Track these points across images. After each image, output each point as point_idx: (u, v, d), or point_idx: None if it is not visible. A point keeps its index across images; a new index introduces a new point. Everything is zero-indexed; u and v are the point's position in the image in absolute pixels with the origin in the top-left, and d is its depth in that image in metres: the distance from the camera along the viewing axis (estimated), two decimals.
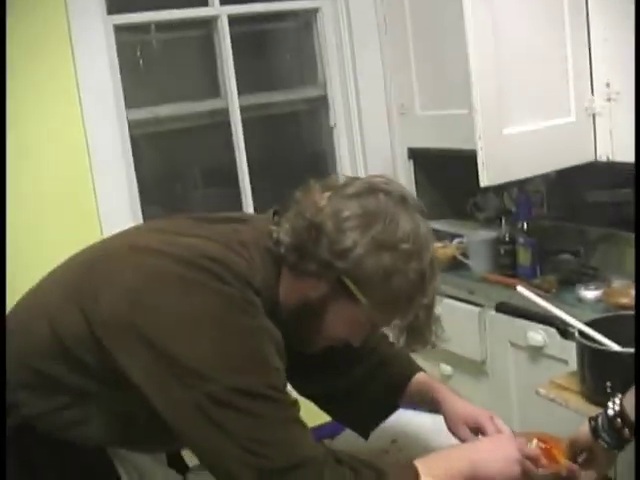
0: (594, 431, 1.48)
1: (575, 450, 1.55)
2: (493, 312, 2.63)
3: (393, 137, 3.31)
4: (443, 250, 2.97)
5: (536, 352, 2.49)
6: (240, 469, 1.21)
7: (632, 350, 1.63)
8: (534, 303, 1.82)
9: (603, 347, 1.70)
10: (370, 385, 1.72)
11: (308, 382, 1.71)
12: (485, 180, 2.26)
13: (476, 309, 2.73)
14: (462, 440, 1.62)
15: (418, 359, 3.03)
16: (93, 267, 1.38)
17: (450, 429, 1.66)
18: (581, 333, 1.74)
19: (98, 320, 1.28)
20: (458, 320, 2.80)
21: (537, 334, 2.44)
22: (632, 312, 2.04)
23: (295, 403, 1.30)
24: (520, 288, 1.80)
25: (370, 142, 3.27)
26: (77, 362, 1.31)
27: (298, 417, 1.29)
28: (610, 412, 1.45)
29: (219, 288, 1.27)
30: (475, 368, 2.83)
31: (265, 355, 1.27)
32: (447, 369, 2.99)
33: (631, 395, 1.44)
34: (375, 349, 1.73)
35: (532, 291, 1.91)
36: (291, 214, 1.38)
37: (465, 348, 2.81)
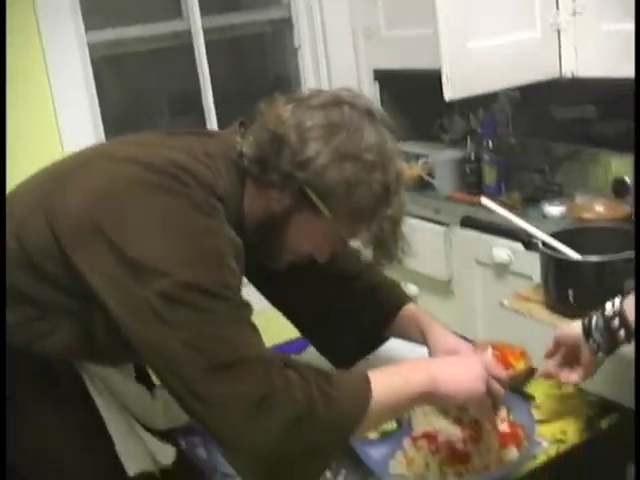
0: (586, 331, 1.45)
1: (559, 350, 1.54)
2: (459, 230, 2.65)
3: (358, 58, 3.28)
4: (409, 171, 2.97)
5: (502, 269, 2.51)
6: (185, 366, 1.18)
7: (593, 258, 1.66)
8: (498, 216, 1.83)
9: (565, 256, 1.71)
10: (356, 312, 1.72)
11: (289, 301, 1.73)
12: (449, 93, 2.25)
13: (442, 228, 2.75)
14: None
15: None
16: (62, 176, 1.37)
17: None
18: (544, 244, 1.75)
19: (62, 223, 1.27)
20: (424, 240, 2.82)
21: (502, 251, 2.47)
22: (594, 225, 2.07)
23: (247, 305, 1.28)
24: (484, 199, 1.81)
25: (335, 64, 3.24)
26: (44, 275, 1.31)
27: (249, 319, 1.26)
28: (608, 312, 1.43)
29: (183, 192, 1.26)
30: (441, 287, 2.85)
31: (221, 255, 1.26)
32: (414, 289, 3.02)
33: (631, 299, 1.42)
34: (361, 275, 1.73)
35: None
36: (255, 126, 1.38)
37: (431, 267, 2.84)
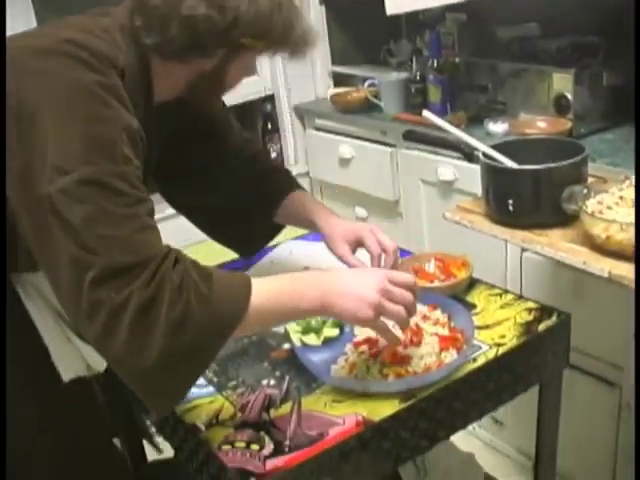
0: None
1: None
2: (404, 151, 2.66)
3: None
4: (356, 94, 2.96)
5: (447, 187, 2.53)
6: (76, 270, 1.14)
7: (531, 167, 1.67)
8: (440, 130, 1.84)
9: (504, 166, 1.73)
10: (244, 198, 1.74)
11: (182, 192, 1.73)
12: (391, 8, 2.23)
13: (388, 149, 2.75)
14: (340, 257, 1.66)
15: (333, 203, 3.11)
16: None
17: (330, 248, 1.68)
18: (485, 155, 1.77)
19: None
20: (371, 162, 2.83)
21: (447, 169, 2.48)
22: (534, 137, 2.09)
23: (146, 200, 1.23)
24: (426, 112, 1.81)
25: None
26: None
27: (146, 215, 1.22)
28: None
29: (76, 76, 1.20)
30: (389, 208, 2.87)
31: (114, 143, 1.20)
32: (362, 212, 3.03)
33: None
34: (252, 161, 1.76)
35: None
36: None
37: (378, 189, 2.85)
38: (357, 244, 1.66)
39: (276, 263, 1.99)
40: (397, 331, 1.43)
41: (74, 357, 1.50)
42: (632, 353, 1.89)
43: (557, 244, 1.63)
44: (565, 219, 1.68)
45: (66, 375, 1.48)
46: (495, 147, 1.79)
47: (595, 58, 2.29)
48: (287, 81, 3.21)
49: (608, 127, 2.32)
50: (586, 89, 2.27)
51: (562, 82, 2.26)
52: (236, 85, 1.51)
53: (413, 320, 1.53)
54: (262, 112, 3.29)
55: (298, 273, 1.37)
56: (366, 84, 2.93)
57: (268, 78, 3.24)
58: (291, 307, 1.28)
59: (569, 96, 2.26)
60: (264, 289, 1.26)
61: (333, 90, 3.18)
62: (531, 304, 1.69)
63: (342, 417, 1.37)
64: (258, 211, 1.75)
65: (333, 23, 3.23)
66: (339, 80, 3.25)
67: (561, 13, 2.45)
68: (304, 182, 3.26)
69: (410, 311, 1.35)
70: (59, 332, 1.48)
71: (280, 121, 3.30)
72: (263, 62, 3.22)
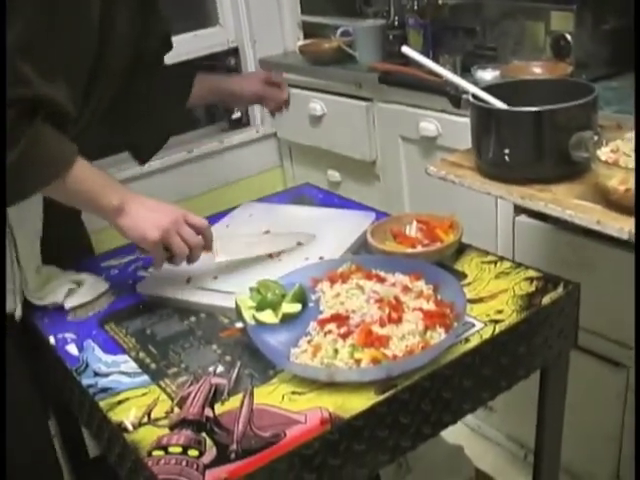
0: None
1: None
2: (381, 104, 2.40)
3: None
4: (328, 44, 2.68)
5: (429, 144, 2.26)
6: None
7: (532, 108, 1.40)
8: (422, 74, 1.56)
9: (500, 108, 1.46)
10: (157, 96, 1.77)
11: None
12: None
13: (364, 104, 2.47)
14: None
15: (304, 166, 2.85)
16: None
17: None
18: (475, 97, 1.50)
19: None
20: (345, 118, 2.57)
21: (429, 123, 2.21)
22: (532, 78, 1.82)
23: None
24: (405, 48, 1.54)
25: None
26: None
27: None
28: None
29: None
30: (365, 170, 2.61)
31: None
32: (335, 175, 2.77)
33: None
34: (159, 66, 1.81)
35: (424, 76, 1.66)
36: None
37: (353, 149, 2.59)
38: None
39: (233, 227, 1.74)
40: (371, 308, 1.17)
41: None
42: None
43: (564, 201, 1.37)
44: (571, 172, 1.44)
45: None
46: (487, 89, 1.53)
47: None
48: (252, 32, 2.93)
49: (614, 73, 2.05)
50: (589, 29, 2.00)
51: (561, 21, 2.00)
52: None
53: (392, 292, 1.28)
54: (225, 66, 3.01)
55: (113, 179, 1.43)
56: (338, 33, 2.64)
57: (231, 29, 2.96)
58: (93, 194, 1.37)
59: (569, 37, 2.00)
60: (86, 164, 1.36)
61: (303, 42, 2.89)
62: (532, 272, 1.44)
63: (304, 413, 1.13)
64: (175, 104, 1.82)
65: None
66: (309, 31, 2.97)
67: None
68: (271, 144, 3.05)
69: (194, 254, 1.43)
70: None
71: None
72: (226, 12, 2.95)
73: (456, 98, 1.56)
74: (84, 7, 1.33)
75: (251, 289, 1.36)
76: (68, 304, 1.53)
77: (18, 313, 1.52)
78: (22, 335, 1.54)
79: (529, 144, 1.43)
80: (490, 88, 1.54)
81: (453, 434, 1.97)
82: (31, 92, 1.26)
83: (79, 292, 1.54)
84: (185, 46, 2.71)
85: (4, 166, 1.23)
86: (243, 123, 3.04)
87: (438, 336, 1.21)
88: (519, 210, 1.99)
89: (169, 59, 1.83)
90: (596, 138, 1.38)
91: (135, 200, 1.40)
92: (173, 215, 1.40)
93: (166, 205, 1.43)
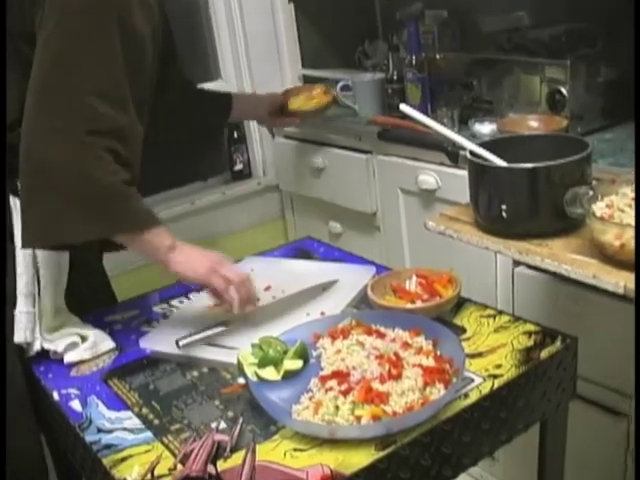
0: None
1: None
2: (381, 157, 2.42)
3: None
4: (326, 96, 2.71)
5: (429, 196, 2.28)
6: None
7: (528, 165, 1.43)
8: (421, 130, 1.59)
9: (496, 164, 1.48)
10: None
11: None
12: None
13: (364, 156, 2.50)
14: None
15: (305, 217, 2.87)
16: None
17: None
18: (472, 154, 1.53)
19: None
20: (345, 170, 2.59)
21: (428, 176, 2.24)
22: (528, 133, 1.85)
23: None
24: (403, 106, 1.56)
25: None
26: None
27: None
28: None
29: None
30: (365, 222, 2.62)
31: None
32: (336, 227, 2.79)
33: None
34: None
35: (423, 130, 1.68)
36: None
37: (354, 201, 2.61)
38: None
39: None
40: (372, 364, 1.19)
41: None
42: None
43: (560, 255, 1.38)
44: (567, 226, 1.45)
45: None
46: (484, 145, 1.56)
47: (593, 47, 2.05)
48: (254, 85, 2.97)
49: (608, 125, 2.09)
50: (583, 82, 2.03)
51: (556, 75, 2.03)
52: None
53: (392, 348, 1.29)
54: None
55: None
56: (338, 87, 2.68)
57: (234, 82, 3.00)
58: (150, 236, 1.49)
59: (564, 91, 2.02)
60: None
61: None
62: (530, 326, 1.45)
63: (305, 470, 1.14)
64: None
65: (303, 23, 2.98)
66: (309, 83, 3.00)
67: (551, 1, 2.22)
68: (274, 196, 3.07)
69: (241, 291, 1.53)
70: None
71: (247, 129, 3.05)
72: (227, 66, 3.00)
73: (454, 154, 1.58)
74: (147, 53, 1.50)
75: (253, 345, 1.37)
76: (67, 358, 1.54)
77: (37, 347, 1.55)
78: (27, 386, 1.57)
79: (525, 200, 1.45)
80: (487, 144, 1.56)
81: None
82: (112, 124, 1.41)
83: (80, 347, 1.56)
84: None
85: (4, 166, 1.25)
86: (245, 175, 3.07)
87: (437, 392, 1.22)
88: (518, 261, 2.00)
89: None
90: (591, 193, 1.39)
91: (185, 245, 1.53)
92: (217, 257, 1.54)
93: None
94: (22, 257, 1.53)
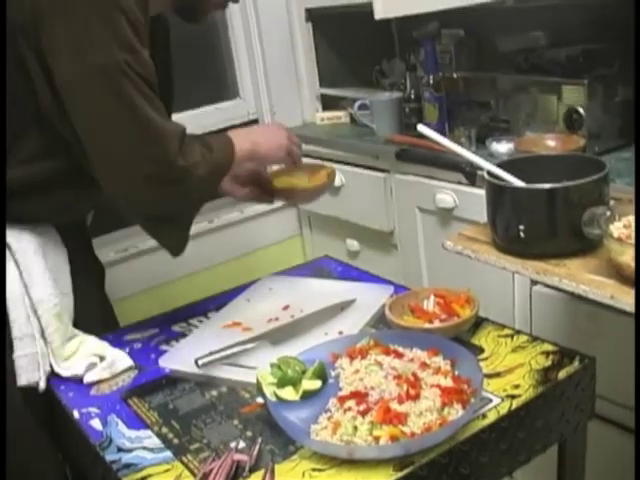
0: None
1: None
2: (399, 176, 2.43)
3: None
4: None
5: (446, 215, 2.29)
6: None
7: (545, 186, 1.43)
8: (438, 150, 1.60)
9: (514, 185, 1.49)
10: None
11: None
12: (380, 12, 2.01)
13: (381, 175, 2.52)
14: None
15: (323, 236, 2.88)
16: None
17: None
18: (490, 174, 1.53)
19: None
20: (363, 189, 2.60)
21: (446, 195, 2.25)
22: (545, 154, 1.85)
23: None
24: (421, 126, 1.57)
25: (263, 2, 2.95)
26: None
27: None
28: None
29: None
30: (383, 240, 2.63)
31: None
32: (354, 244, 2.80)
33: None
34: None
35: (440, 149, 1.69)
36: None
37: (371, 219, 2.62)
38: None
39: (253, 301, 1.77)
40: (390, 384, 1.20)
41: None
42: None
43: (578, 276, 1.38)
44: (585, 247, 1.45)
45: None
46: (501, 165, 1.56)
47: (610, 68, 2.06)
48: (272, 104, 2.99)
49: (625, 145, 2.09)
50: (600, 102, 2.04)
51: (573, 95, 2.04)
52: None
53: (410, 368, 1.30)
54: None
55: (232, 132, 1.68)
56: (356, 106, 2.70)
57: (252, 101, 3.02)
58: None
59: (581, 110, 2.03)
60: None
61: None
62: (548, 346, 1.45)
63: None
64: None
65: (321, 42, 3.01)
66: (327, 103, 3.03)
67: (570, 19, 2.23)
68: (291, 213, 3.07)
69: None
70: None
71: None
72: (246, 85, 3.02)
73: (471, 174, 1.60)
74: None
75: (272, 365, 1.38)
76: (87, 378, 1.55)
77: (42, 386, 1.55)
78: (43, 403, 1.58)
79: (543, 220, 1.45)
80: (504, 164, 1.57)
81: None
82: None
83: (99, 366, 1.57)
84: (207, 118, 2.79)
85: (4, 167, 1.24)
86: None
87: (455, 412, 1.22)
88: (539, 281, 2.01)
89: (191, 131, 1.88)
90: (608, 214, 1.40)
91: (253, 135, 1.70)
92: (286, 134, 1.75)
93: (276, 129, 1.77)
94: (12, 303, 1.54)
